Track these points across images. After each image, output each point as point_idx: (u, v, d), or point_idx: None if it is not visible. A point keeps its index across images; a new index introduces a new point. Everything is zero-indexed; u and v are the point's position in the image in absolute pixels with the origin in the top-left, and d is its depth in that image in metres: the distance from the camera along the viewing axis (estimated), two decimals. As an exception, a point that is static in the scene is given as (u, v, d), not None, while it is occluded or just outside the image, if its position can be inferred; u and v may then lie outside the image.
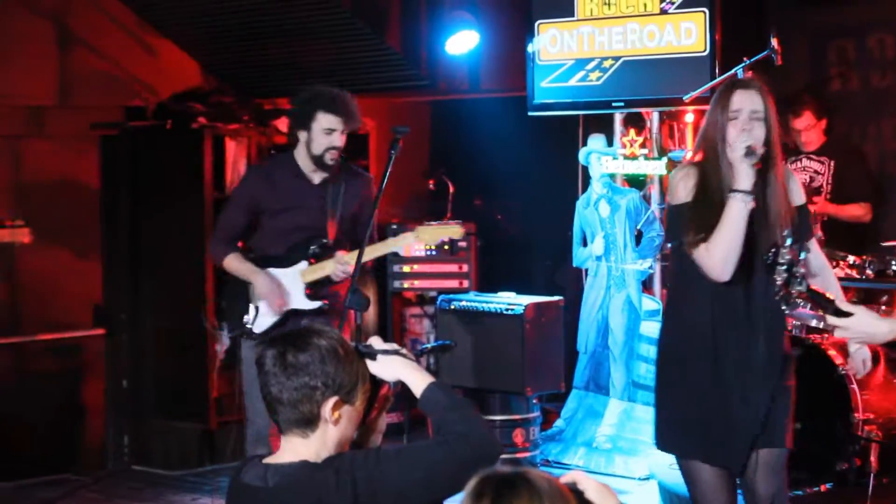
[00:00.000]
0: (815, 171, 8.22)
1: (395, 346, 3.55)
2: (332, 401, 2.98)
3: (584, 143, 8.13)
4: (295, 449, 3.04)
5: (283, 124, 9.79)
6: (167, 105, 8.98)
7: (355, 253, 6.04)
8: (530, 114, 8.40)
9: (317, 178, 6.26)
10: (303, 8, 9.22)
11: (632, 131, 8.35)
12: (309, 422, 3.00)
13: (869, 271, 7.17)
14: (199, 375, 8.09)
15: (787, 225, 4.86)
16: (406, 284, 9.97)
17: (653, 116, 8.46)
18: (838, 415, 7.34)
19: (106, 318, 8.70)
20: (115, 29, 9.78)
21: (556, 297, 8.11)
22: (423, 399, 3.46)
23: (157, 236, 8.96)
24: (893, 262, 7.23)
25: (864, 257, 7.31)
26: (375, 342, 3.54)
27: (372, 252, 6.24)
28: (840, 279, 6.92)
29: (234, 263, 6.43)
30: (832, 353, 7.33)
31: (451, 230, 7.05)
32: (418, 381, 3.48)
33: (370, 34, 9.38)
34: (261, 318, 6.38)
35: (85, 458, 8.22)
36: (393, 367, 3.45)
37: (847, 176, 8.05)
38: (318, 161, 6.30)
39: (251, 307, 6.48)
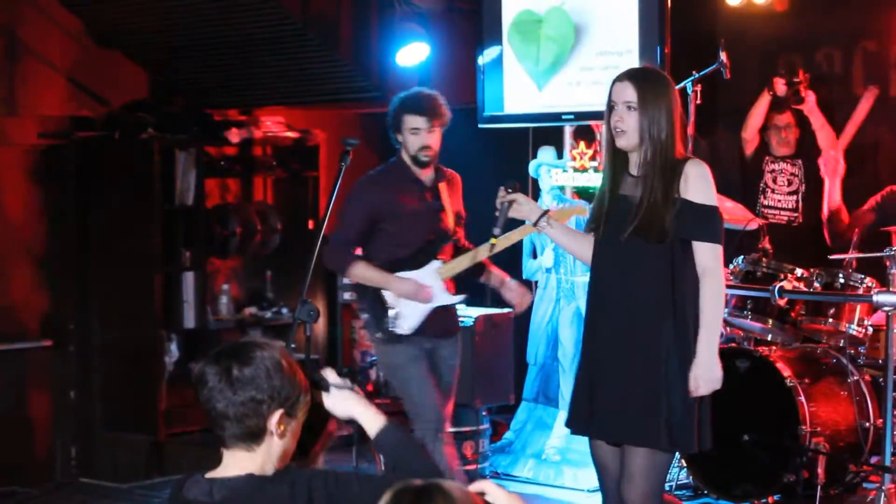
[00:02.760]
0: (793, 175, 8.47)
1: (348, 381, 3.55)
2: (277, 413, 2.97)
3: (534, 156, 8.17)
4: (239, 463, 3.04)
5: (233, 135, 9.92)
6: (116, 115, 9.01)
7: (486, 246, 6.13)
8: (480, 126, 8.45)
9: (427, 179, 6.53)
10: (253, 19, 9.24)
11: (581, 144, 8.39)
12: (255, 435, 2.99)
13: (817, 284, 7.24)
14: (147, 387, 8.12)
15: (654, 217, 4.98)
16: (356, 296, 9.75)
17: (602, 129, 8.19)
18: (785, 427, 7.40)
19: (53, 329, 8.64)
20: (65, 39, 9.82)
21: (505, 310, 8.08)
22: (378, 439, 3.46)
23: (105, 247, 8.95)
24: (840, 276, 7.33)
25: (812, 270, 7.38)
26: (329, 375, 3.54)
27: (507, 240, 6.41)
28: (788, 292, 7.15)
29: (364, 271, 6.58)
30: (779, 365, 7.38)
31: (577, 209, 7.36)
32: (372, 420, 3.49)
33: (321, 45, 9.41)
34: (404, 320, 6.55)
35: (32, 471, 8.16)
36: (346, 403, 3.45)
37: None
38: (416, 161, 6.56)
39: (390, 311, 6.62)
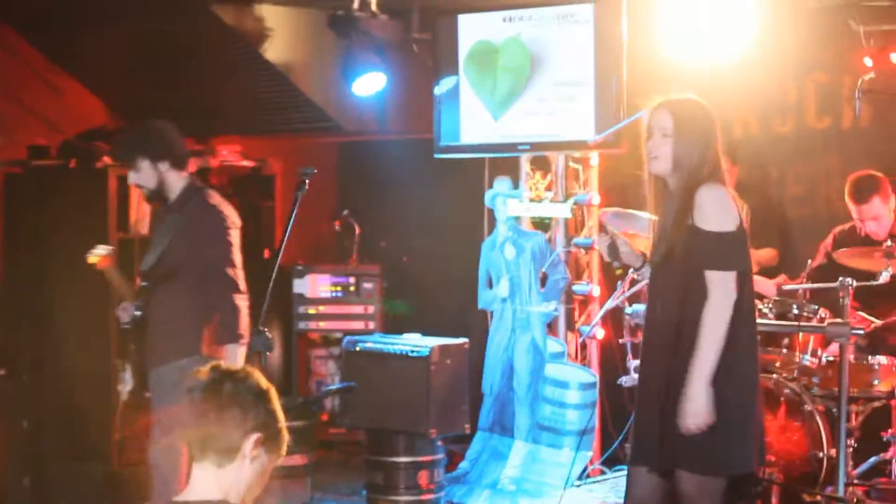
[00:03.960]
0: None
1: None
2: (255, 436, 2.99)
3: (490, 186, 8.24)
4: (206, 482, 3.04)
5: (189, 164, 9.62)
6: (71, 144, 8.95)
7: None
8: (436, 156, 8.49)
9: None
10: (211, 49, 9.28)
11: (538, 174, 8.47)
12: (228, 451, 3.00)
13: (770, 314, 7.29)
14: (102, 417, 8.03)
15: (669, 243, 5.11)
16: (311, 325, 10.04)
17: (558, 159, 8.56)
18: None
19: (7, 358, 8.59)
20: (20, 67, 9.85)
21: (461, 339, 8.16)
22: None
23: (60, 276, 8.80)
24: (794, 306, 7.32)
25: (766, 300, 7.40)
26: None
27: None
28: None
29: None
30: None
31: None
32: None
33: (277, 75, 9.48)
34: None
35: (-17, 501, 8.08)
36: None
37: (759, 222, 8.04)
38: None
39: None
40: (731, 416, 5.19)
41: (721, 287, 5.09)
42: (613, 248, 5.61)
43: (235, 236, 7.11)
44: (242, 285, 7.01)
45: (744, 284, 5.12)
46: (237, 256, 7.10)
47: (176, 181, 7.03)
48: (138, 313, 6.95)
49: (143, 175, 6.93)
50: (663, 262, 5.22)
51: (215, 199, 7.19)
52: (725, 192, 5.19)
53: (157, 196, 7.07)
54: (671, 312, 5.23)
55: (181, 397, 3.36)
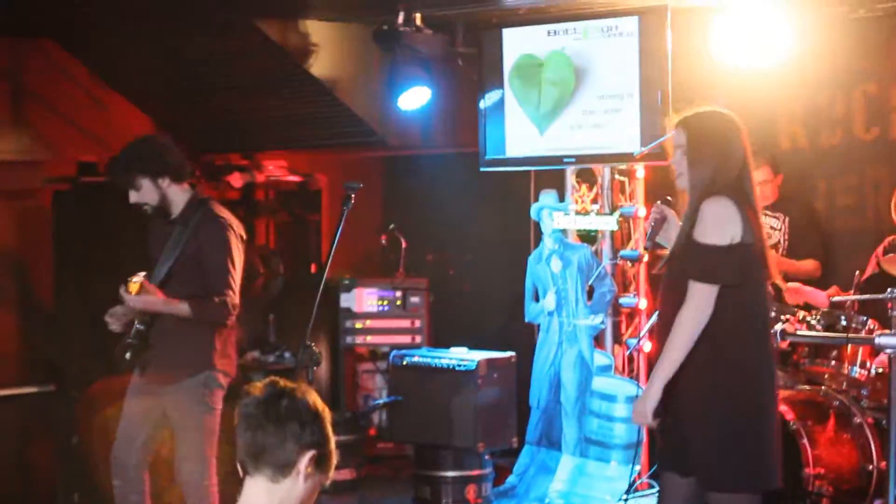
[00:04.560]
0: (772, 227, 8.40)
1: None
2: (310, 454, 3.02)
3: (536, 199, 8.30)
4: (258, 496, 3.07)
5: (235, 179, 10.20)
6: None
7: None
8: (482, 169, 8.54)
9: None
10: (256, 64, 9.35)
11: (583, 187, 8.50)
12: (283, 467, 3.02)
13: (819, 326, 7.32)
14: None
15: (672, 252, 5.32)
16: (359, 340, 10.06)
17: (604, 172, 8.58)
18: (789, 469, 7.27)
19: (56, 375, 8.70)
20: (68, 84, 10.00)
21: (508, 353, 8.20)
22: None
23: (109, 291, 8.71)
24: (842, 317, 7.33)
25: (814, 312, 7.41)
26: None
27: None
28: (790, 334, 7.26)
29: None
30: (783, 407, 7.28)
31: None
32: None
33: (323, 90, 9.49)
34: None
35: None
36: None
37: (801, 232, 8.31)
38: None
39: None
40: (740, 431, 5.29)
41: (697, 297, 5.17)
42: (659, 224, 5.68)
43: (240, 248, 7.15)
44: (236, 300, 7.01)
45: (739, 296, 5.15)
46: (239, 268, 7.14)
47: (178, 195, 7.02)
48: (142, 327, 6.97)
49: (145, 193, 6.92)
50: (668, 271, 5.36)
51: (220, 210, 7.20)
52: (730, 204, 5.21)
53: (160, 212, 7.04)
54: (669, 319, 5.33)
55: (218, 411, 3.41)
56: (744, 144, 5.43)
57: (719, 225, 5.18)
